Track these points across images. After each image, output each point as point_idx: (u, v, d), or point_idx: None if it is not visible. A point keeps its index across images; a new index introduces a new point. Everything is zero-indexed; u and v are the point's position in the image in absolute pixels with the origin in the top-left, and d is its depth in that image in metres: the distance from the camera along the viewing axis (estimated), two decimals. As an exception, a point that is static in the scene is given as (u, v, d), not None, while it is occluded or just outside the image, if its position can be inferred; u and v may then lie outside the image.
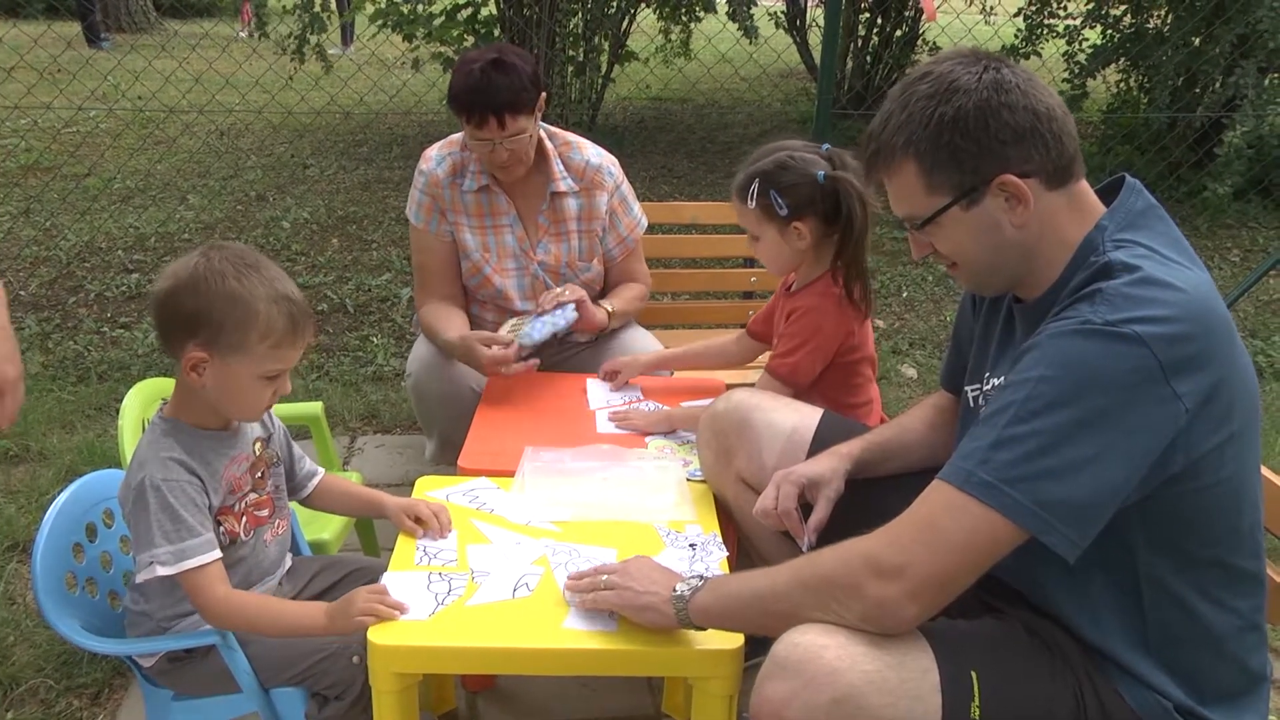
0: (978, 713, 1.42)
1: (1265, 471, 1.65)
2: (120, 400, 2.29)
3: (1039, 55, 6.96)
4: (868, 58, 8.81)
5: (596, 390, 2.67)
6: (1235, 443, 1.41)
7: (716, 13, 7.45)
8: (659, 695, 2.34)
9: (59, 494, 1.89)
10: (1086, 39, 7.12)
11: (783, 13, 9.17)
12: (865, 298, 2.36)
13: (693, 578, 1.64)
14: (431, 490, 2.11)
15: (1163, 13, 6.79)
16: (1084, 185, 1.53)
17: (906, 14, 8.75)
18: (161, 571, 1.69)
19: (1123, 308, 1.35)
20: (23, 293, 4.83)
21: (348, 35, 11.45)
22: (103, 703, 2.31)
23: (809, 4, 9.50)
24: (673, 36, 8.30)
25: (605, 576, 1.70)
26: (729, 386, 2.51)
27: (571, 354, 2.95)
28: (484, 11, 7.28)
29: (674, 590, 1.62)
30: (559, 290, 2.71)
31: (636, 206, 2.97)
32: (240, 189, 6.71)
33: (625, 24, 7.76)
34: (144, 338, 4.34)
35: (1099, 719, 1.45)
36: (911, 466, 1.95)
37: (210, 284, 1.70)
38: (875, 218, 2.33)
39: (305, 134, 7.94)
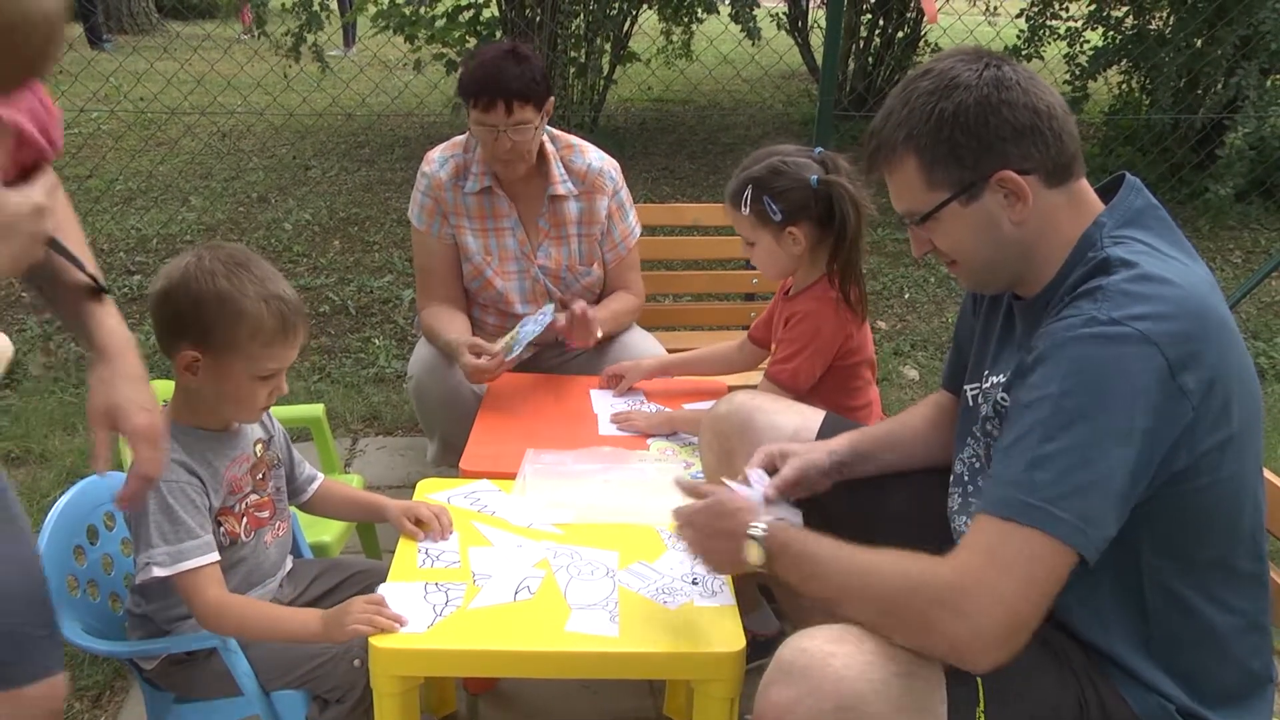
0: (983, 719, 1.41)
1: (1267, 474, 1.65)
2: (122, 402, 2.28)
3: (1041, 57, 6.96)
4: (869, 59, 8.80)
5: (600, 396, 2.66)
6: (1236, 442, 1.41)
7: (719, 13, 7.45)
8: (660, 698, 2.33)
9: (60, 496, 1.89)
10: (1088, 41, 7.11)
11: (784, 14, 9.17)
12: (861, 300, 2.36)
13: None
14: (433, 493, 2.11)
15: (1164, 14, 6.79)
16: (1084, 184, 1.54)
17: (908, 15, 8.74)
18: (158, 572, 1.69)
19: (1124, 304, 1.36)
20: (25, 295, 4.84)
21: (350, 37, 11.45)
22: (104, 705, 2.30)
23: (810, 5, 9.50)
24: (674, 38, 8.30)
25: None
26: (731, 388, 2.51)
27: (572, 358, 2.95)
28: (486, 13, 7.28)
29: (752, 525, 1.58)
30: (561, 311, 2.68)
31: (633, 214, 2.97)
32: (242, 190, 6.71)
33: (627, 25, 7.76)
34: (145, 340, 4.33)
35: (1100, 722, 1.45)
36: (911, 461, 1.95)
37: (200, 283, 1.71)
38: (870, 220, 2.33)
39: (307, 135, 7.94)
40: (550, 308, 2.68)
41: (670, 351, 2.91)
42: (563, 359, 2.95)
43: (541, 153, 2.79)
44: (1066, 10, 7.36)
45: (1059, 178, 1.50)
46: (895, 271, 5.56)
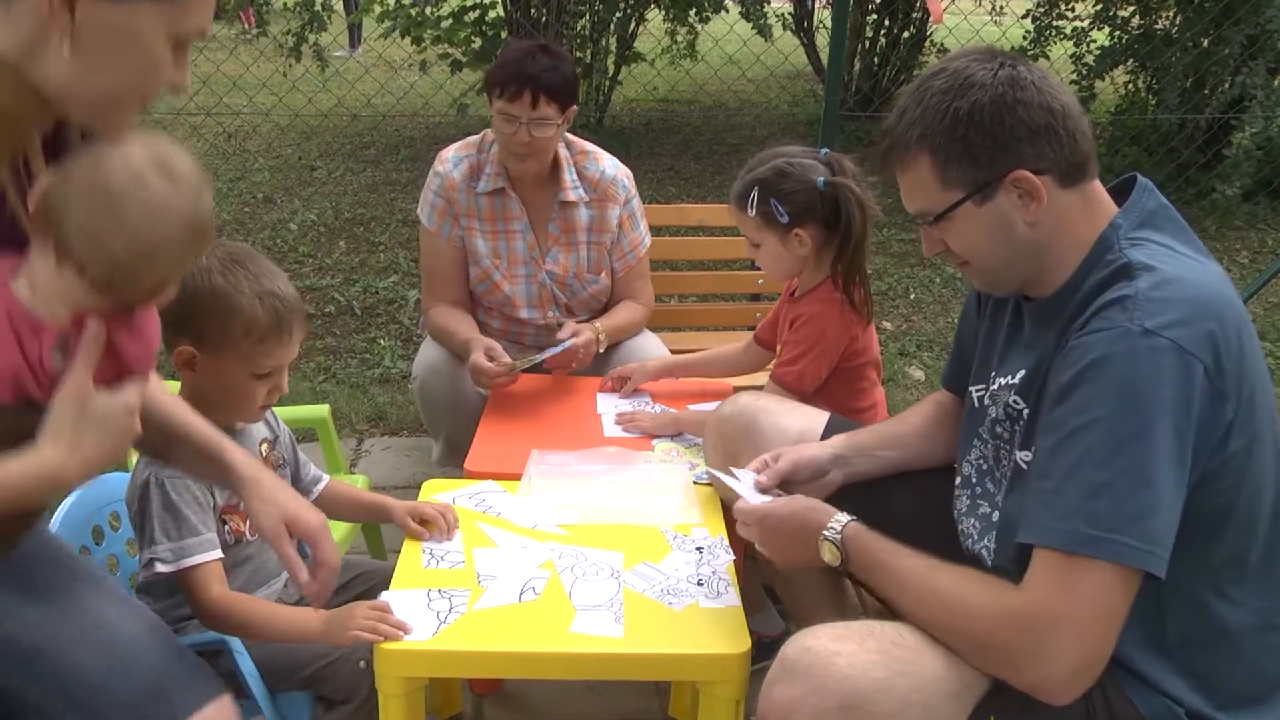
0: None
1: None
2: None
3: (1047, 57, 6.94)
4: (875, 59, 8.79)
5: (605, 397, 2.66)
6: (1259, 441, 1.42)
7: (728, 11, 7.44)
8: (666, 699, 2.33)
9: (66, 497, 1.89)
10: (1094, 40, 7.10)
11: (790, 14, 9.16)
12: (866, 302, 2.35)
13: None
14: (438, 494, 2.11)
15: (1171, 14, 6.77)
16: (1097, 184, 1.53)
17: (914, 16, 8.73)
18: (161, 569, 1.69)
19: (1155, 313, 1.35)
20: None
21: (355, 37, 11.45)
22: (109, 705, 2.30)
23: (816, 5, 9.49)
24: (679, 38, 8.29)
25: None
26: (736, 390, 2.50)
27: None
28: (491, 14, 7.28)
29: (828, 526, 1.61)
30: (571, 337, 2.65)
31: (643, 224, 2.95)
32: (248, 191, 6.72)
33: (633, 26, 7.76)
34: (151, 340, 4.34)
35: (1107, 727, 1.44)
36: (911, 459, 1.95)
37: (196, 280, 1.71)
38: (875, 221, 2.32)
39: (312, 136, 7.95)
40: (569, 341, 2.64)
41: (675, 352, 2.90)
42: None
43: (555, 158, 2.78)
44: (1073, 10, 7.34)
45: (1073, 178, 1.49)
46: (900, 272, 5.56)
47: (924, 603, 1.47)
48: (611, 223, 2.85)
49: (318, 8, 6.64)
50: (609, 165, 2.86)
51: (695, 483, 2.15)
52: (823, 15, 9.16)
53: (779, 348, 2.46)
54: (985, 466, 1.68)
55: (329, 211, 6.32)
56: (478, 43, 7.17)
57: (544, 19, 7.04)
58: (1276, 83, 6.10)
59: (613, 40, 7.79)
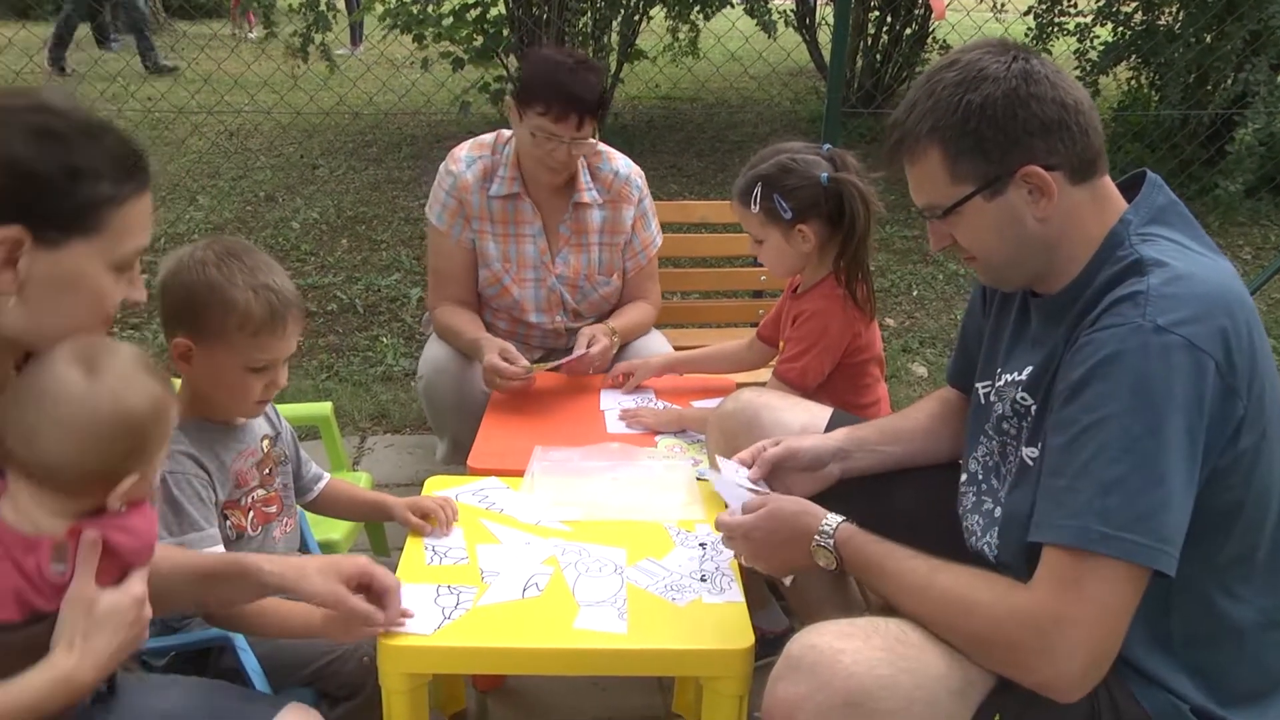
0: (998, 718, 1.41)
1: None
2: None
3: (1049, 53, 6.93)
4: (877, 56, 8.78)
5: (608, 394, 2.66)
6: (1268, 438, 1.41)
7: (733, 6, 7.44)
8: (670, 695, 2.33)
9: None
10: (1097, 36, 7.09)
11: (792, 11, 9.15)
12: (869, 298, 2.35)
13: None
14: (441, 490, 2.11)
15: (1174, 9, 6.75)
16: (1107, 180, 1.52)
17: (916, 12, 8.72)
18: None
19: (1168, 309, 1.35)
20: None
21: (356, 35, 11.45)
22: (113, 702, 2.30)
23: (818, 2, 9.47)
24: (681, 35, 8.28)
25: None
26: (739, 386, 2.50)
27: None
28: (493, 11, 7.27)
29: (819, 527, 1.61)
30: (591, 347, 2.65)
31: (655, 223, 2.94)
32: (249, 189, 6.71)
33: (636, 22, 7.75)
34: (153, 338, 4.35)
35: (1111, 724, 1.44)
36: (914, 455, 1.95)
37: (192, 272, 1.73)
38: (878, 218, 2.32)
39: (314, 134, 7.94)
40: (589, 351, 2.63)
41: (678, 349, 2.90)
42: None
43: None
44: (1075, 6, 7.33)
45: (1084, 174, 1.48)
46: (903, 268, 5.55)
47: (927, 602, 1.47)
48: (626, 223, 2.84)
49: (322, 8, 6.63)
50: (622, 164, 2.85)
51: (698, 479, 2.15)
52: (825, 12, 9.14)
53: (781, 344, 2.46)
54: (991, 463, 1.68)
55: (331, 209, 6.32)
56: (479, 40, 7.16)
57: (545, 16, 7.03)
58: (1280, 78, 6.09)
59: (615, 37, 7.78)
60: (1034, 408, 1.55)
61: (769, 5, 6.88)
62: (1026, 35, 7.04)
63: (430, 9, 6.99)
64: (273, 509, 1.91)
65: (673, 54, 8.12)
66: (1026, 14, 7.41)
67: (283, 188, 6.80)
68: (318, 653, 1.78)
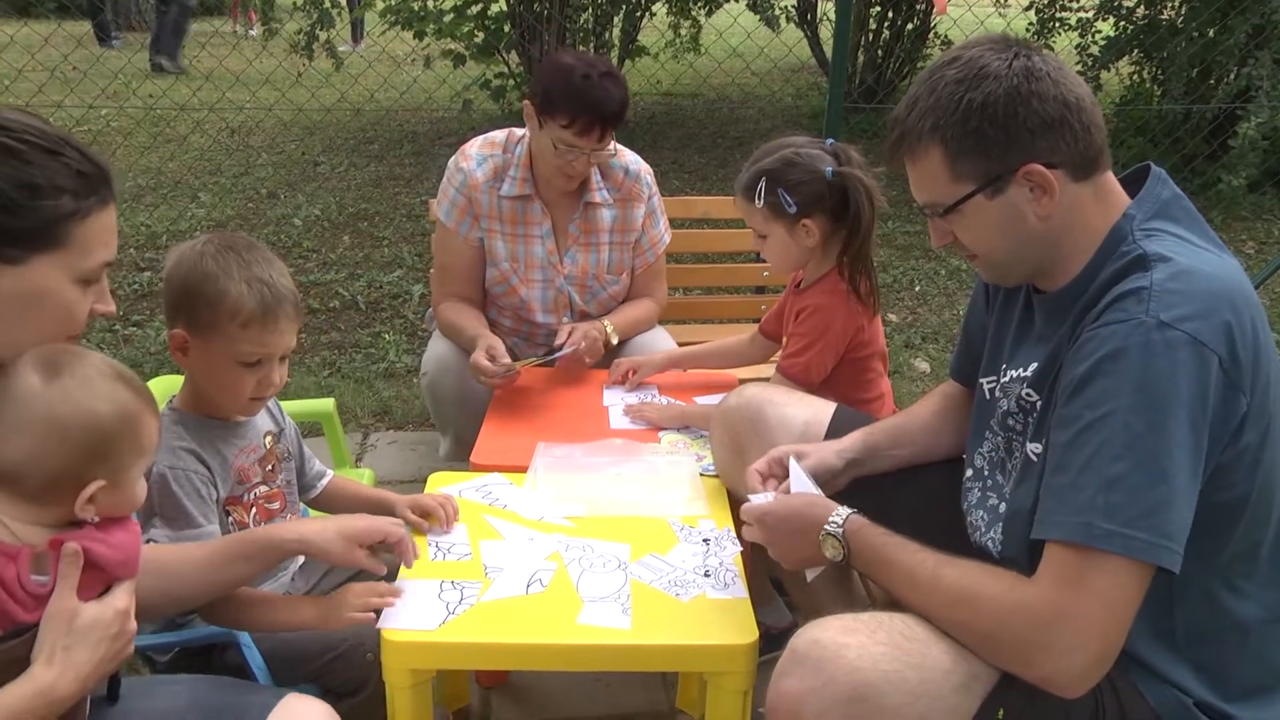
0: (1002, 713, 1.41)
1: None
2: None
3: (1051, 48, 6.90)
4: (879, 51, 8.77)
5: (611, 390, 2.65)
6: (1272, 433, 1.41)
7: (735, 1, 7.43)
8: (673, 690, 2.33)
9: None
10: (1099, 31, 7.07)
11: (794, 7, 9.14)
12: (872, 293, 2.34)
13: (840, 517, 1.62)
14: (444, 486, 2.11)
15: (1176, 4, 6.74)
16: (1109, 176, 1.52)
17: (918, 7, 8.71)
18: None
19: (1171, 305, 1.34)
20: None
21: (358, 32, 11.46)
22: (117, 699, 2.31)
23: (819, -2, 9.46)
24: (683, 31, 8.28)
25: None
26: (742, 381, 2.50)
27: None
28: (494, 7, 7.27)
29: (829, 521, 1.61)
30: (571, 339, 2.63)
31: (663, 221, 2.94)
32: (251, 186, 6.72)
33: (638, 18, 7.74)
34: (156, 336, 4.35)
35: (1116, 718, 1.43)
36: (921, 455, 1.94)
37: (189, 264, 1.74)
38: (882, 213, 2.31)
39: (316, 131, 7.95)
40: (567, 348, 2.62)
41: (681, 344, 2.90)
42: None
43: None
44: (1077, 1, 7.32)
45: (1086, 171, 1.47)
46: (905, 264, 5.55)
47: (932, 596, 1.46)
48: (636, 221, 2.83)
49: (326, 5, 6.63)
50: (631, 161, 2.84)
51: (702, 474, 2.15)
52: (826, 7, 9.13)
53: (785, 339, 2.45)
54: (997, 459, 1.67)
55: (333, 206, 6.32)
56: (481, 37, 7.16)
57: (547, 12, 7.02)
58: (1283, 73, 6.06)
59: (617, 33, 7.78)
60: (1039, 403, 1.55)
61: (771, 1, 6.87)
62: (1028, 30, 7.03)
63: (431, 5, 6.99)
64: (276, 505, 1.91)
65: (674, 50, 8.12)
66: (1028, 9, 7.40)
67: (284, 185, 6.80)
68: (322, 649, 1.78)
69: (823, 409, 2.09)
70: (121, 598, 1.30)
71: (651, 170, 2.90)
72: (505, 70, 7.46)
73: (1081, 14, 7.22)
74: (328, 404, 2.71)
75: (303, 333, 1.85)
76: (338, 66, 6.74)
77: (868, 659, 1.38)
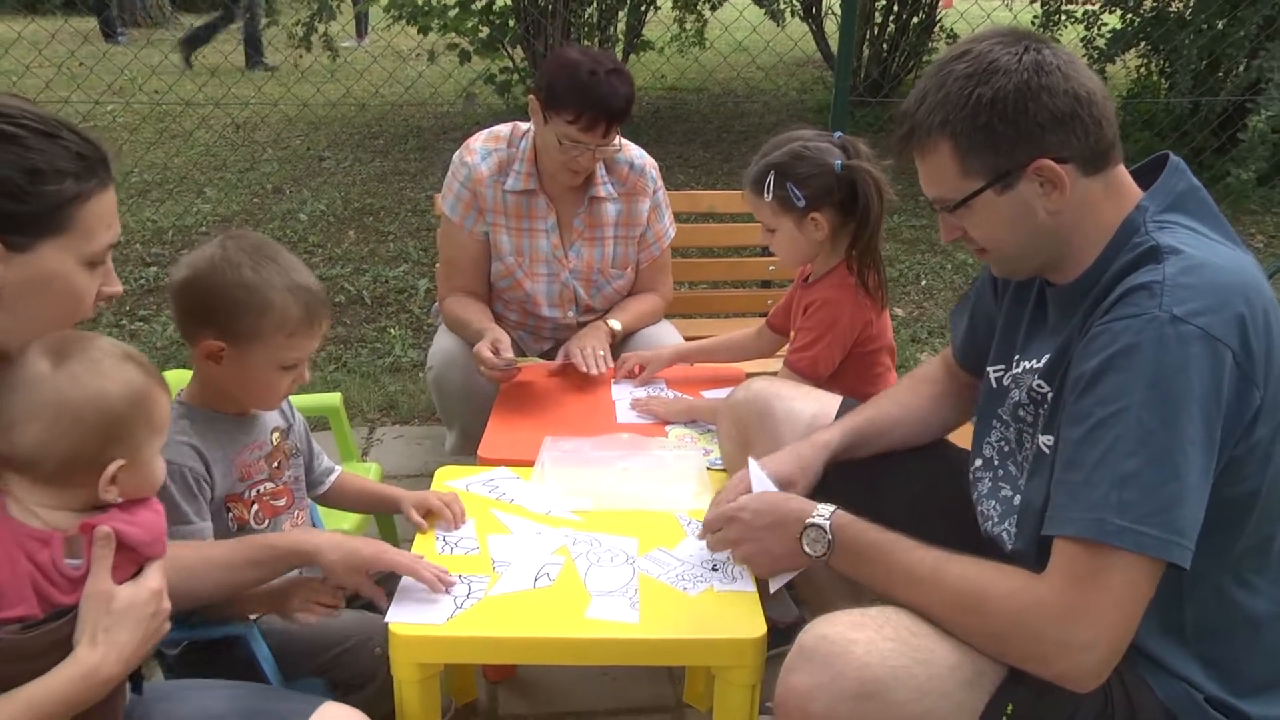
0: (1010, 708, 1.40)
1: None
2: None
3: (1057, 41, 6.90)
4: (884, 45, 8.75)
5: (619, 386, 2.64)
6: None
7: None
8: (680, 685, 2.33)
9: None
10: (1105, 24, 7.05)
11: (799, 1, 9.12)
12: (880, 286, 2.33)
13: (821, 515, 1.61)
14: (451, 480, 2.11)
15: (1185, -5, 6.73)
16: (1121, 170, 1.50)
17: (923, 1, 8.69)
18: None
19: (1184, 299, 1.33)
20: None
21: (362, 28, 11.46)
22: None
23: (825, -9, 9.44)
24: (688, 25, 8.26)
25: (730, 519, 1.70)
26: (749, 375, 2.49)
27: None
28: (499, 2, 7.26)
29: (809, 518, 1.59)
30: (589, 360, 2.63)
31: (668, 215, 2.93)
32: (256, 182, 6.72)
33: (643, 12, 7.73)
34: (162, 330, 4.35)
35: (1125, 712, 1.43)
36: (912, 441, 1.94)
37: (226, 274, 1.71)
38: (891, 206, 2.30)
39: (321, 126, 7.95)
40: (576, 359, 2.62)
41: (687, 339, 2.89)
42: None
43: None
44: (1083, -6, 7.31)
45: (1097, 165, 1.46)
46: (912, 258, 5.54)
47: (935, 594, 1.45)
48: (641, 215, 2.83)
49: (324, -4, 6.64)
50: (636, 155, 2.84)
51: (709, 469, 2.15)
52: (831, 1, 9.11)
53: (792, 334, 2.45)
54: (1006, 449, 1.67)
55: (338, 201, 6.32)
56: (485, 32, 7.15)
57: (551, 7, 7.01)
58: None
59: (621, 28, 7.77)
60: (1050, 395, 1.54)
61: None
62: (1033, 23, 7.01)
63: (435, 0, 6.98)
64: (282, 502, 1.90)
65: (680, 44, 8.11)
66: (1034, 1, 7.37)
67: (290, 180, 6.81)
68: (330, 643, 1.78)
69: (829, 402, 2.09)
70: (154, 578, 1.33)
71: (656, 164, 2.89)
72: (510, 65, 7.46)
73: (1088, 7, 7.19)
74: (334, 399, 2.71)
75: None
76: (334, 58, 6.73)
77: (876, 655, 1.38)
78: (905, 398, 1.98)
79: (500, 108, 7.14)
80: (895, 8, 8.71)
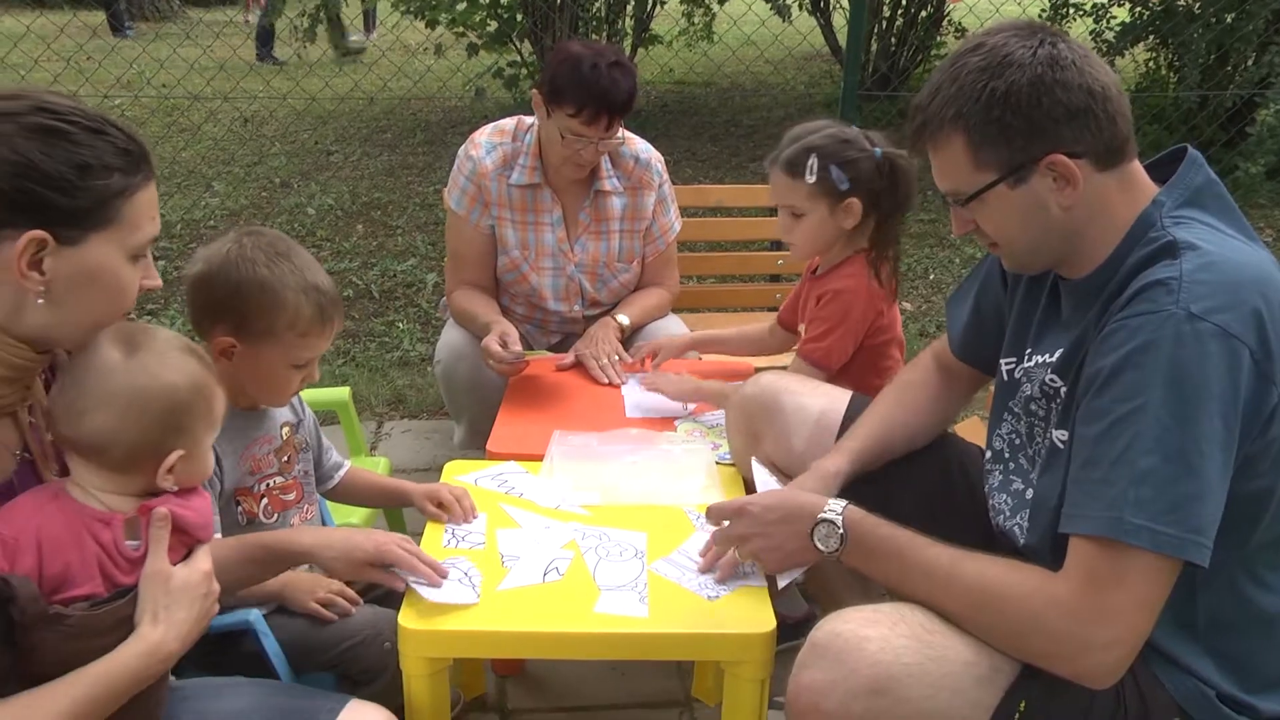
0: (1024, 705, 1.40)
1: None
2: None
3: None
4: (893, 39, 8.72)
5: (631, 386, 2.62)
6: None
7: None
8: (689, 680, 2.33)
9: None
10: (1114, 17, 7.02)
11: (807, -6, 9.11)
12: (892, 277, 2.33)
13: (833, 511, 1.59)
14: (460, 475, 2.11)
15: (1194, -11, 6.69)
16: (1136, 165, 1.49)
17: (932, -6, 8.67)
18: None
19: (1201, 296, 1.33)
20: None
21: (370, 22, 11.45)
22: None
23: (833, -15, 9.41)
24: (696, 19, 8.25)
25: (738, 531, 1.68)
26: (757, 370, 2.49)
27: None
28: (507, -4, 7.26)
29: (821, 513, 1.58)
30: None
31: (674, 209, 2.93)
32: (264, 176, 6.72)
33: (651, 6, 7.72)
34: (170, 325, 4.36)
35: (1138, 709, 1.43)
36: (916, 443, 1.93)
37: (241, 271, 1.72)
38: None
39: (329, 121, 7.95)
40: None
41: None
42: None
43: None
44: (1092, -14, 7.27)
45: (1111, 160, 1.45)
46: (919, 252, 5.52)
47: (951, 591, 1.45)
48: (647, 209, 2.83)
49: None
50: (642, 149, 2.83)
51: (718, 463, 2.14)
52: (839, -5, 9.10)
53: (801, 327, 2.44)
54: (1018, 442, 1.66)
55: (346, 196, 6.33)
56: (493, 25, 7.14)
57: (559, 1, 7.00)
58: (1303, 59, 6.01)
59: (629, 22, 7.75)
60: (1063, 390, 1.53)
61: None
62: (1041, 16, 6.98)
63: (443, -7, 6.98)
64: (291, 496, 1.91)
65: (687, 38, 8.09)
66: (1043, -6, 7.34)
67: (297, 174, 6.81)
68: (339, 637, 1.79)
69: (838, 397, 2.08)
70: (204, 560, 1.38)
71: (662, 158, 2.89)
72: (518, 59, 7.45)
73: (1096, 0, 7.16)
74: (343, 393, 2.71)
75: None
76: (337, 49, 6.73)
77: (889, 651, 1.38)
78: (898, 414, 1.95)
79: (509, 101, 7.13)
80: (903, 1, 8.68)
